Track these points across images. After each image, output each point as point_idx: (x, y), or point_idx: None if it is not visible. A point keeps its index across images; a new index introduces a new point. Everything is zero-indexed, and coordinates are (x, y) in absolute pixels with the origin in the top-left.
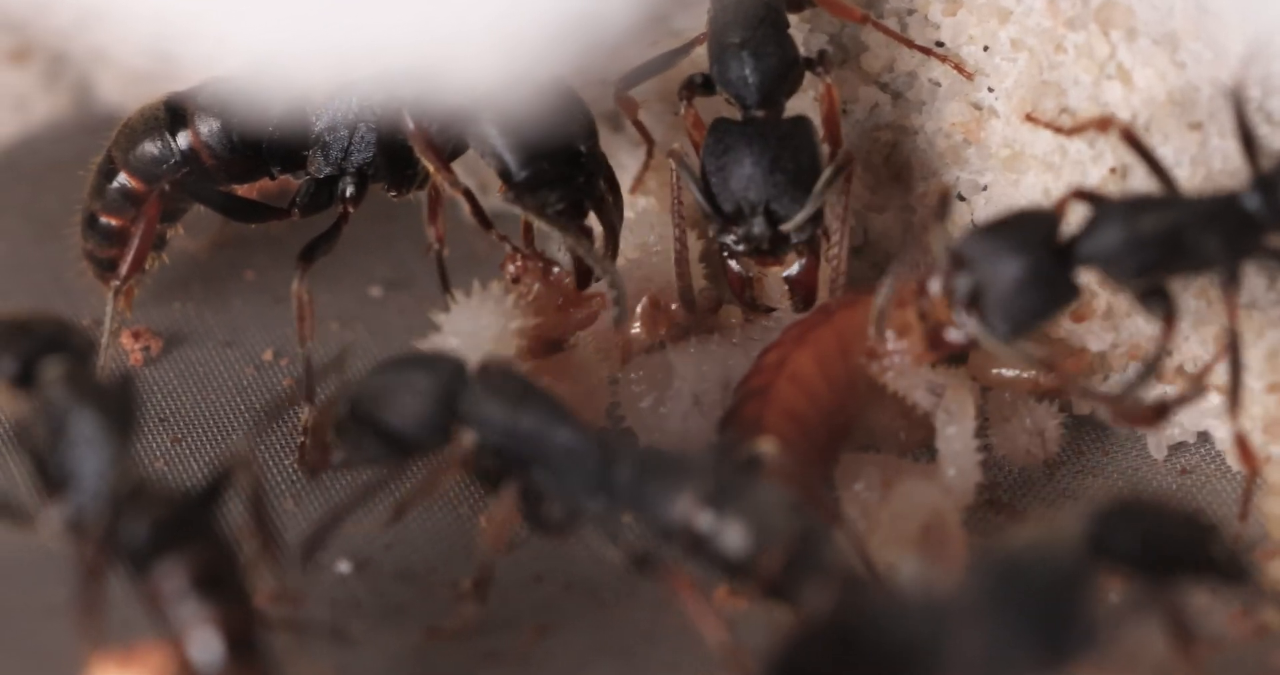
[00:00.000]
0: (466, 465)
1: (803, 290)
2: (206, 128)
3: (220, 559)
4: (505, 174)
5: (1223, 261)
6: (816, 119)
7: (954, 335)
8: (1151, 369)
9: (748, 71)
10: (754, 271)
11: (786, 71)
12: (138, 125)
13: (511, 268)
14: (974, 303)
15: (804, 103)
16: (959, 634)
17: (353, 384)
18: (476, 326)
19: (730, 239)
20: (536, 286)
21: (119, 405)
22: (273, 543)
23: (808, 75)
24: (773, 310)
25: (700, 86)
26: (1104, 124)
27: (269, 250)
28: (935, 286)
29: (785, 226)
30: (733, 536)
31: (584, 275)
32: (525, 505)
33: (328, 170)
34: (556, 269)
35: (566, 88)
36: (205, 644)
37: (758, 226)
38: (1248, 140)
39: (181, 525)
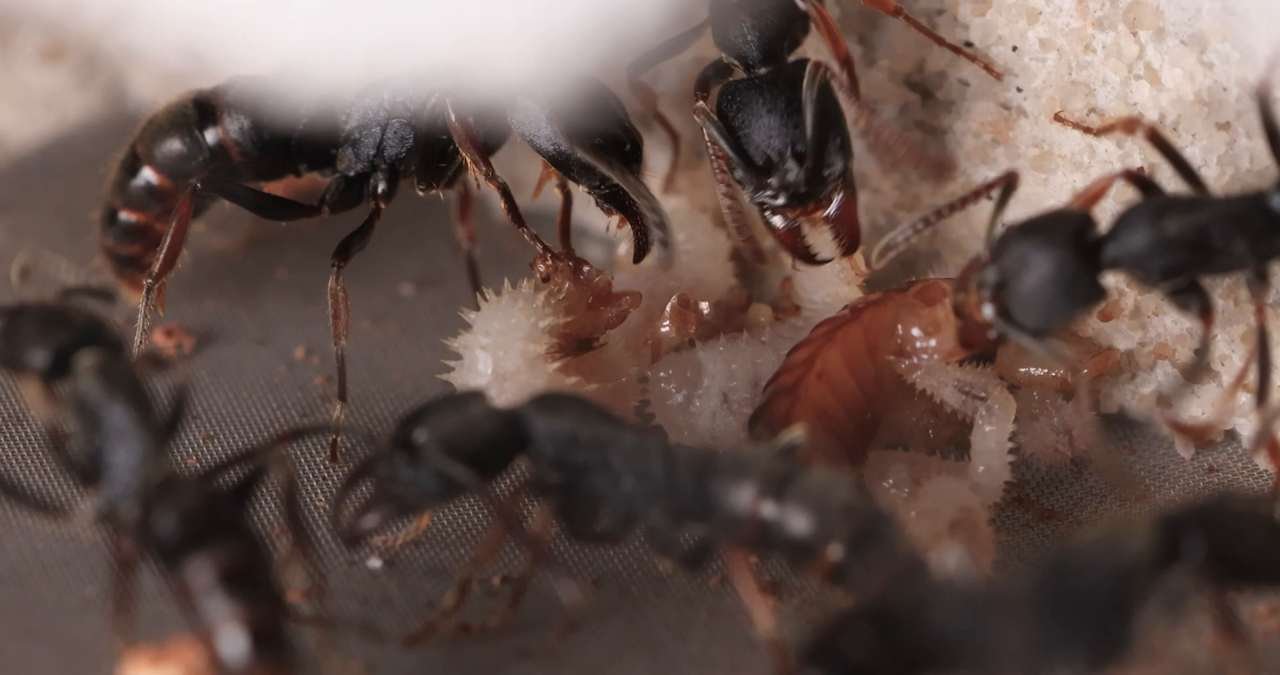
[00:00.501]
0: (530, 491)
1: (845, 228)
2: (236, 125)
3: (249, 556)
4: (557, 150)
5: (1250, 261)
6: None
7: (989, 330)
8: (1199, 363)
9: (746, 29)
10: (798, 222)
11: (786, 27)
12: (164, 121)
13: (542, 267)
14: (999, 297)
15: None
16: (1011, 626)
17: (387, 439)
18: (507, 325)
19: (768, 194)
20: (567, 286)
21: (166, 397)
22: (305, 540)
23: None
24: (828, 261)
25: (713, 77)
26: (1131, 125)
27: (302, 248)
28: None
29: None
30: (799, 524)
31: (642, 241)
32: (569, 519)
33: (359, 167)
34: (587, 268)
35: (595, 79)
36: (232, 641)
37: (791, 172)
38: (1274, 140)
39: (211, 521)
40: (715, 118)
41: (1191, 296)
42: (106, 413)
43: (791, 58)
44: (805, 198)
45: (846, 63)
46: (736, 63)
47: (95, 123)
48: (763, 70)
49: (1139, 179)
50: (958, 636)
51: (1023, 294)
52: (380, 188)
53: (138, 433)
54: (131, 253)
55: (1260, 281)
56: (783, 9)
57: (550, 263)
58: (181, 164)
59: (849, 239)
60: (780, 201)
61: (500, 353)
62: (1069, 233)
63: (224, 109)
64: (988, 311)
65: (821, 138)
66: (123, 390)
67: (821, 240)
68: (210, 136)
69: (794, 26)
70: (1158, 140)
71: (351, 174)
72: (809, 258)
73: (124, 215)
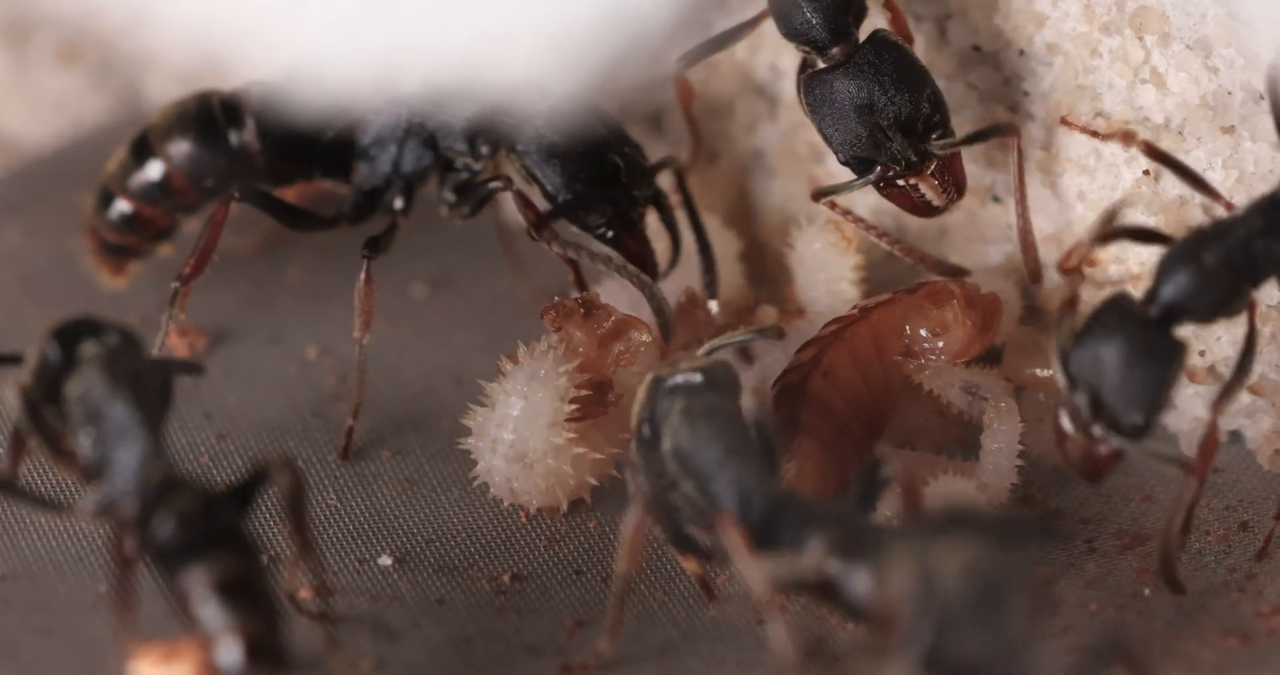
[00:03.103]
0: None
1: (952, 176)
2: (261, 129)
3: (246, 566)
4: (548, 197)
5: None
6: None
7: (1105, 450)
8: (1249, 355)
9: (808, 13)
10: (914, 183)
11: (846, 2)
12: (188, 118)
13: (551, 315)
14: (1100, 412)
15: None
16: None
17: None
18: (534, 382)
19: (882, 172)
20: (576, 333)
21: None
22: (309, 547)
23: None
24: (941, 211)
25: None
26: (1128, 137)
27: (314, 250)
28: (1067, 423)
29: (934, 145)
30: (860, 586)
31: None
32: (669, 525)
33: (375, 182)
34: (598, 308)
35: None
36: (229, 652)
37: (897, 143)
38: None
39: (210, 528)
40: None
41: (1236, 302)
42: (109, 407)
43: (861, 29)
44: (919, 164)
45: (908, 41)
46: (809, 50)
47: (110, 125)
48: (835, 51)
49: (1156, 153)
50: None
51: (1118, 397)
52: (397, 203)
53: (140, 429)
54: (126, 242)
55: None
56: None
57: (555, 313)
58: (201, 163)
59: (957, 185)
60: (894, 173)
61: (530, 412)
62: (1124, 316)
63: (249, 112)
64: (1105, 437)
65: (917, 103)
66: (127, 384)
67: (930, 191)
68: (234, 139)
69: (850, 1)
70: (1155, 153)
71: (367, 188)
72: (929, 211)
73: (124, 203)
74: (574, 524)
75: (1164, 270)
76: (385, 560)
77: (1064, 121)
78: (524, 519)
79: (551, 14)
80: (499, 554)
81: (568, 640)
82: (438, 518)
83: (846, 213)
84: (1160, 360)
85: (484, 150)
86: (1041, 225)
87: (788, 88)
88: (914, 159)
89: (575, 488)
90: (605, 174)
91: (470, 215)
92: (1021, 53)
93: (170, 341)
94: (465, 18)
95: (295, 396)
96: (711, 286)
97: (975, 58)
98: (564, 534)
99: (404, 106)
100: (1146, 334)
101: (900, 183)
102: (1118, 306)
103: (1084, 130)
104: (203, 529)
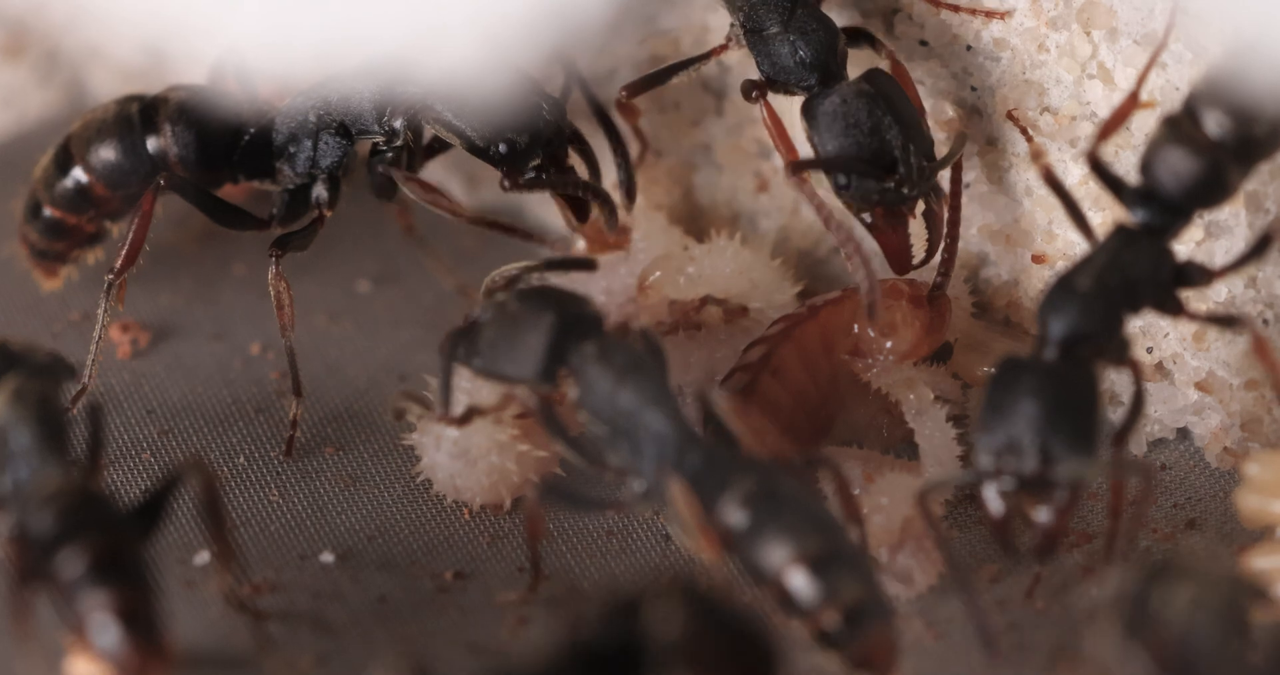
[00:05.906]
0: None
1: (937, 224)
2: (177, 135)
3: (115, 544)
4: (476, 151)
5: (1157, 282)
6: None
7: (1045, 516)
8: (1137, 413)
9: (801, 54)
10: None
11: (834, 42)
12: (105, 125)
13: None
14: (1047, 471)
15: None
16: None
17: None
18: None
19: (881, 196)
20: None
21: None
22: (228, 551)
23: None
24: (917, 266)
25: (764, 84)
26: (1036, 154)
27: (258, 245)
28: (997, 506)
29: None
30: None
31: (580, 208)
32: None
33: (298, 180)
34: None
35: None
36: (102, 628)
37: (912, 165)
38: (1115, 186)
39: (78, 517)
40: (807, 188)
41: (1121, 349)
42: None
43: (849, 60)
44: (916, 194)
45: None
46: (797, 89)
47: (56, 120)
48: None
49: (1053, 181)
50: None
51: (1057, 441)
52: (322, 196)
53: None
54: (54, 248)
55: (1172, 302)
56: (828, 25)
57: None
58: (120, 172)
59: (944, 233)
60: (891, 195)
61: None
62: (1019, 370)
63: (165, 119)
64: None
65: (914, 133)
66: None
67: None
68: (152, 145)
69: (837, 40)
70: (1051, 181)
71: (293, 187)
72: (905, 262)
73: (50, 212)
74: (517, 521)
75: (1045, 310)
76: (327, 557)
77: (1010, 115)
78: (467, 516)
79: (486, 5)
80: (441, 551)
81: (510, 639)
82: (380, 514)
83: (804, 182)
84: (1081, 390)
85: (398, 125)
86: (989, 220)
87: (735, 83)
88: (910, 192)
89: (519, 485)
90: (533, 116)
91: (387, 198)
92: (969, 48)
93: (112, 337)
94: (400, 8)
95: (239, 392)
96: (628, 186)
97: (922, 53)
98: (507, 531)
99: (308, 99)
100: (1056, 373)
101: (896, 216)
102: (1010, 365)
103: (1023, 131)
104: (72, 517)
